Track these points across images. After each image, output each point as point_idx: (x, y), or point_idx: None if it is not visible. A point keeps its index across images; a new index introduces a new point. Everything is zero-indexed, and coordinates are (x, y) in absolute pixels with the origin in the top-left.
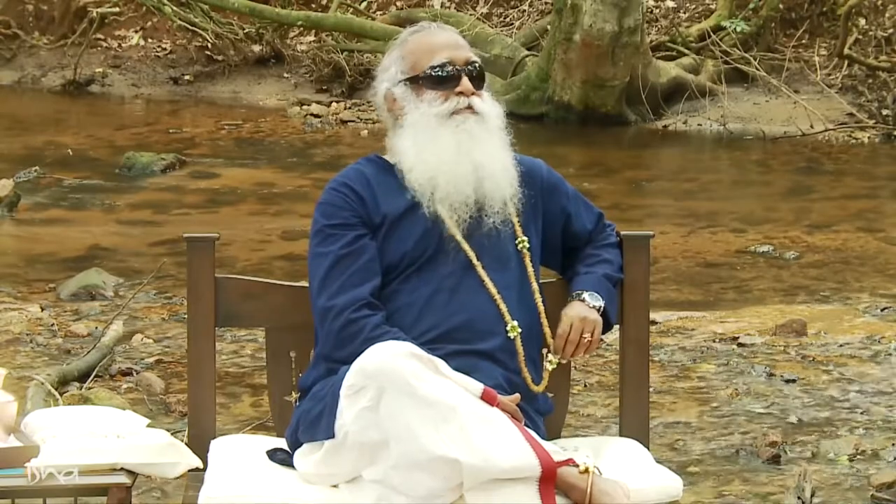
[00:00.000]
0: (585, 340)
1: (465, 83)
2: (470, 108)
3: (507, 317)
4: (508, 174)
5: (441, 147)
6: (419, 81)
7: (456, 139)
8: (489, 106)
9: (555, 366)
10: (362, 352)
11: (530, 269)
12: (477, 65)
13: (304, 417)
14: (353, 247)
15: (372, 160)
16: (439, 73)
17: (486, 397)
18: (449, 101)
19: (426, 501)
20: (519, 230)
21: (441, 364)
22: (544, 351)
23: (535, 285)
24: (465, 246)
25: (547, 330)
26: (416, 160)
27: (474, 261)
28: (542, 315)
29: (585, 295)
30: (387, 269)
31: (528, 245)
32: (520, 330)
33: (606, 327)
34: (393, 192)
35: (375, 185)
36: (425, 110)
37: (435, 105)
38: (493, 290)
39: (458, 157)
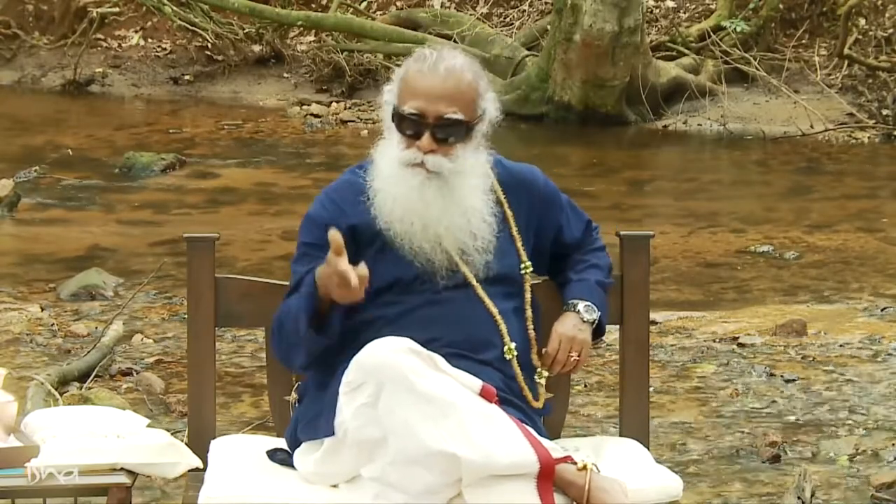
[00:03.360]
0: (572, 360)
1: (424, 140)
2: (423, 164)
3: (507, 337)
4: (474, 228)
5: (394, 194)
6: (394, 117)
7: (406, 195)
8: (455, 163)
9: (544, 379)
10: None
11: (528, 296)
12: (451, 121)
13: (303, 416)
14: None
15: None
16: (402, 118)
17: (484, 394)
18: (409, 150)
19: (424, 497)
20: (524, 255)
21: (440, 360)
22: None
23: (529, 312)
24: (464, 268)
25: (534, 355)
26: (379, 194)
27: (473, 281)
28: (533, 342)
29: (581, 307)
30: (386, 284)
31: (531, 270)
32: (516, 353)
33: (598, 333)
34: None
35: (363, 208)
36: (391, 149)
37: (398, 148)
38: (493, 309)
39: (411, 214)
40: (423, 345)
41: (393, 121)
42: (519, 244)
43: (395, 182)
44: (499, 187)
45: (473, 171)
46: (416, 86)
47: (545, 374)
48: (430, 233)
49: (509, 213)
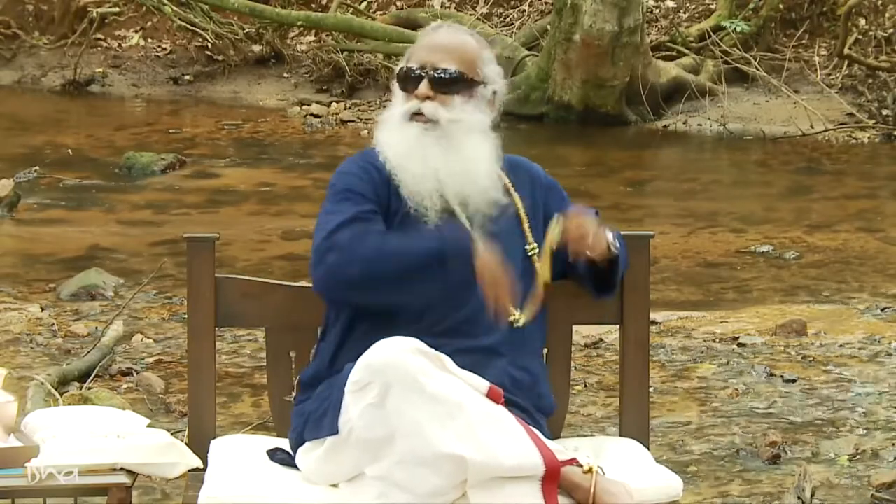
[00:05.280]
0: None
1: (421, 87)
2: (421, 113)
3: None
4: (475, 176)
5: (399, 147)
6: (398, 77)
7: (407, 144)
8: (452, 113)
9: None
10: (373, 248)
11: (541, 274)
12: (448, 72)
13: (311, 417)
14: (370, 216)
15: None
16: (404, 73)
17: (491, 395)
18: (408, 102)
19: (429, 498)
20: (529, 235)
21: (447, 361)
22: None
23: (539, 289)
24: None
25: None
26: (385, 154)
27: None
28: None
29: (610, 235)
30: None
31: (538, 251)
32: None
33: (611, 284)
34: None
35: (390, 176)
36: (395, 109)
37: (400, 105)
38: None
39: (410, 159)
40: (431, 327)
41: (397, 81)
42: (525, 225)
43: (396, 133)
44: (503, 173)
45: (473, 125)
46: (422, 44)
47: (520, 318)
48: (429, 182)
49: (515, 195)
